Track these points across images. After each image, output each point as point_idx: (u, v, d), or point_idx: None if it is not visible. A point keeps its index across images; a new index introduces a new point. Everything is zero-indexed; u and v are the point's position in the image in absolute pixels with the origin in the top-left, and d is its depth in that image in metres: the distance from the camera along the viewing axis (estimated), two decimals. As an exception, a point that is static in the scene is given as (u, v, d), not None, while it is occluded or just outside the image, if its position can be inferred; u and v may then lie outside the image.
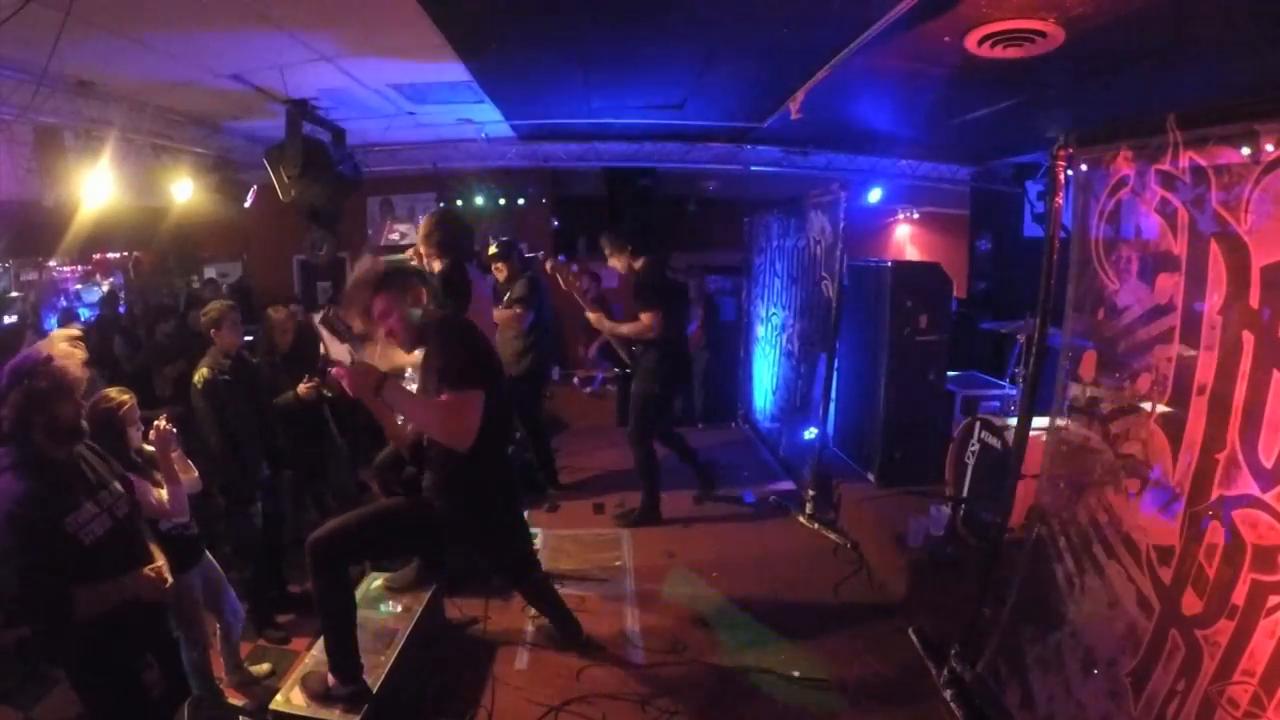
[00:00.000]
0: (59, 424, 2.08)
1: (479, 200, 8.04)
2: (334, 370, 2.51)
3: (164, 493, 2.74)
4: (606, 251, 4.91)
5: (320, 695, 2.72)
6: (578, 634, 3.47)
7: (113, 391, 2.78)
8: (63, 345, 2.14)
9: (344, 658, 2.72)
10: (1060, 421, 2.73)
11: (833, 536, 4.70)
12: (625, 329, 4.89)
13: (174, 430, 2.84)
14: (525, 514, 4.26)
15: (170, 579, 2.30)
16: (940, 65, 4.17)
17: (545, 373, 5.75)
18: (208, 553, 3.13)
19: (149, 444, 2.79)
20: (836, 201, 4.92)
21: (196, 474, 3.04)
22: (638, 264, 4.79)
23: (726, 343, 7.90)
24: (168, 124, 5.42)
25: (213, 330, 3.63)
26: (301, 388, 4.08)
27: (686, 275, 7.33)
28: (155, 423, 2.75)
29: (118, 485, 2.31)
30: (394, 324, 2.67)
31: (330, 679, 2.72)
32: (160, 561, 2.31)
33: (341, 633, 2.73)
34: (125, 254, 9.29)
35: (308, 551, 2.70)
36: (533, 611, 3.67)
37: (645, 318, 4.69)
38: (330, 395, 4.27)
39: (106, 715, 2.22)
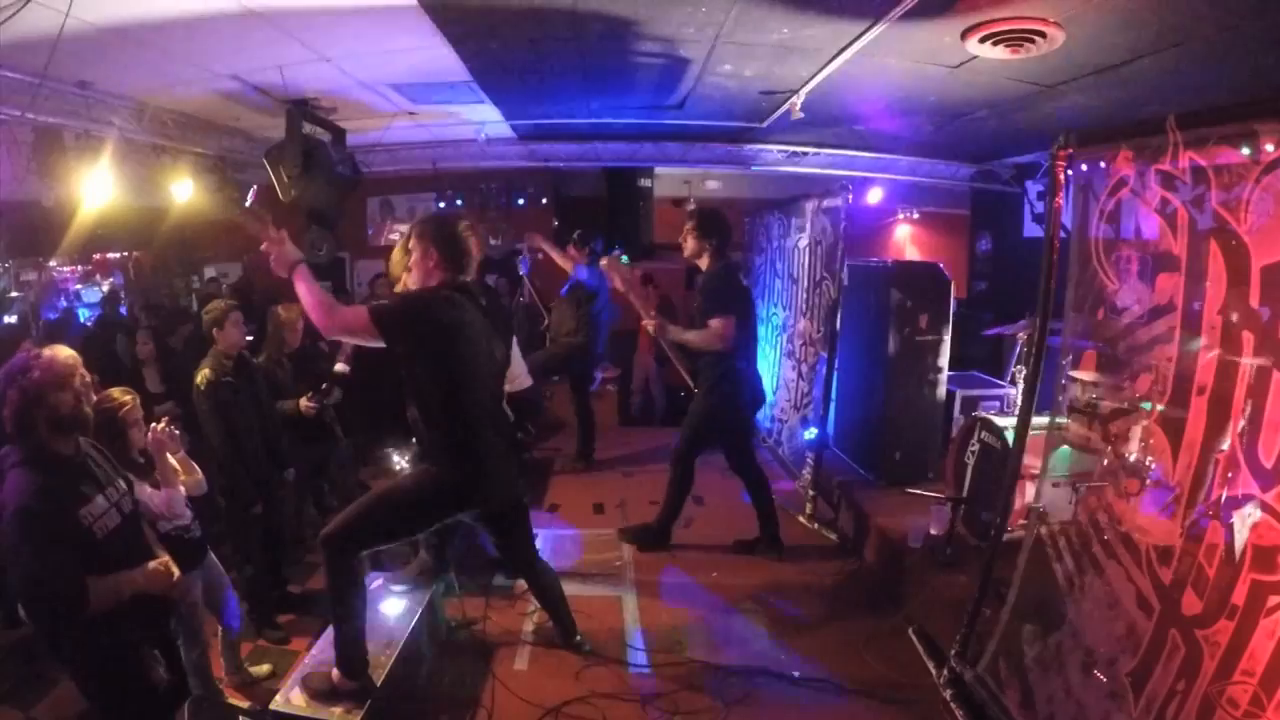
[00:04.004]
0: (60, 414, 2.09)
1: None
2: (263, 248, 2.73)
3: (160, 495, 2.73)
4: (689, 231, 4.25)
5: (324, 693, 2.72)
6: (572, 634, 3.47)
7: (115, 392, 2.77)
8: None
9: (352, 652, 2.75)
10: (1060, 421, 2.74)
11: (833, 536, 4.70)
12: (691, 336, 4.24)
13: (176, 432, 2.83)
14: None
15: (177, 572, 2.32)
16: (940, 65, 4.17)
17: (588, 357, 5.99)
18: (211, 554, 3.13)
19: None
20: (837, 201, 4.92)
21: (201, 475, 3.03)
22: (714, 264, 4.21)
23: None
24: (168, 124, 5.42)
25: (215, 330, 3.62)
26: (303, 404, 4.07)
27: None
28: (153, 425, 2.74)
29: (122, 482, 2.33)
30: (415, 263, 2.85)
31: (335, 674, 2.73)
32: (164, 557, 2.33)
33: (352, 627, 2.76)
34: (125, 254, 9.28)
35: (321, 545, 2.74)
36: (533, 611, 3.68)
37: (715, 324, 4.06)
38: (333, 405, 4.29)
39: (114, 710, 2.23)
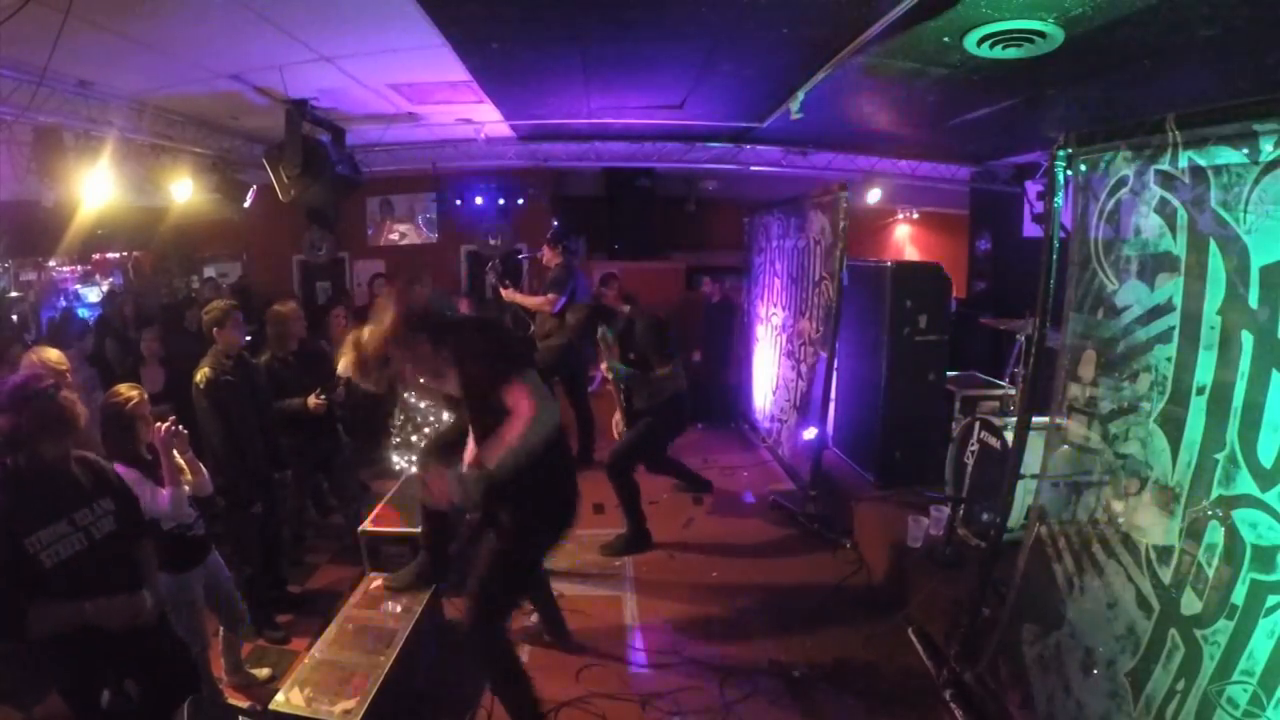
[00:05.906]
0: (40, 461, 2.09)
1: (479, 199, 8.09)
2: (427, 487, 2.59)
3: (165, 493, 2.73)
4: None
5: None
6: (565, 636, 3.48)
7: (123, 387, 2.78)
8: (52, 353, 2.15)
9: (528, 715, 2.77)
10: (1060, 421, 2.74)
11: (833, 536, 4.70)
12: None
13: (185, 432, 2.83)
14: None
15: (146, 609, 2.22)
16: (940, 65, 4.17)
17: (577, 352, 6.06)
18: (215, 552, 3.12)
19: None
20: (836, 201, 4.92)
21: (206, 476, 3.03)
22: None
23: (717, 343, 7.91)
24: (168, 124, 5.42)
25: (215, 330, 3.62)
26: (312, 401, 4.06)
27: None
28: (156, 424, 2.74)
29: (107, 501, 2.24)
30: (412, 369, 2.63)
31: None
32: (144, 592, 2.24)
33: (525, 703, 2.76)
34: (125, 254, 9.29)
35: (466, 641, 2.72)
36: (533, 610, 3.67)
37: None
38: (339, 402, 4.28)
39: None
